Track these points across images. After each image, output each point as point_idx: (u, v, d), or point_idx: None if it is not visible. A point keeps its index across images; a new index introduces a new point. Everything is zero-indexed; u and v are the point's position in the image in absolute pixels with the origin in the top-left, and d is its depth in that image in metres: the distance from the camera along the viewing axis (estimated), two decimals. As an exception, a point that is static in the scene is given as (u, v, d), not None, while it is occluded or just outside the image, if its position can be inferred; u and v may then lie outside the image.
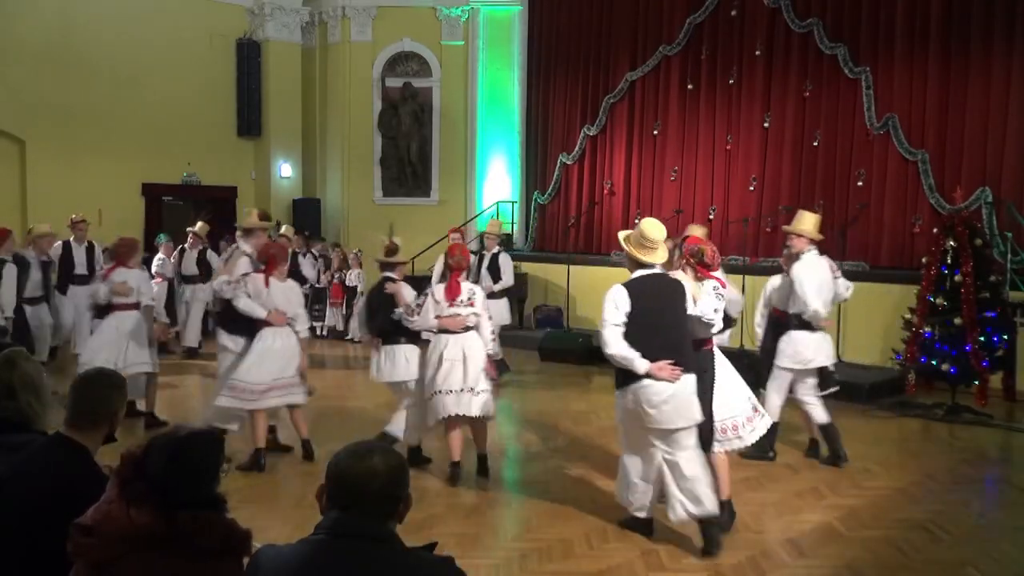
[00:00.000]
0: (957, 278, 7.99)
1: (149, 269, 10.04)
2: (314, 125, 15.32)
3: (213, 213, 12.77)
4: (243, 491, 5.61)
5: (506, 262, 9.68)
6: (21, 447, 2.82)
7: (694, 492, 4.61)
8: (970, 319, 7.84)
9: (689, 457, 4.67)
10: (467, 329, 5.97)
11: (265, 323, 6.25)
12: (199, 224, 9.48)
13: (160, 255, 11.06)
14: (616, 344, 4.62)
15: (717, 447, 5.05)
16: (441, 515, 5.31)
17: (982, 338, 7.83)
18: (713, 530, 4.68)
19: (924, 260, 8.50)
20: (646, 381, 4.59)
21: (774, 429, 6.50)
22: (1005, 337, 7.94)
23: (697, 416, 4.66)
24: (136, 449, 2.36)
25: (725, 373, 5.18)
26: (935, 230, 8.63)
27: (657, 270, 4.81)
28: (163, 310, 8.56)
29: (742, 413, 5.17)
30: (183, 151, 14.14)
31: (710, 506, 4.64)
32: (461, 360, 5.88)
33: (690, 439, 4.70)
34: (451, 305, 5.91)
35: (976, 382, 7.94)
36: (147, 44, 13.62)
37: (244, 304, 6.23)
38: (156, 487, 2.27)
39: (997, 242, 8.82)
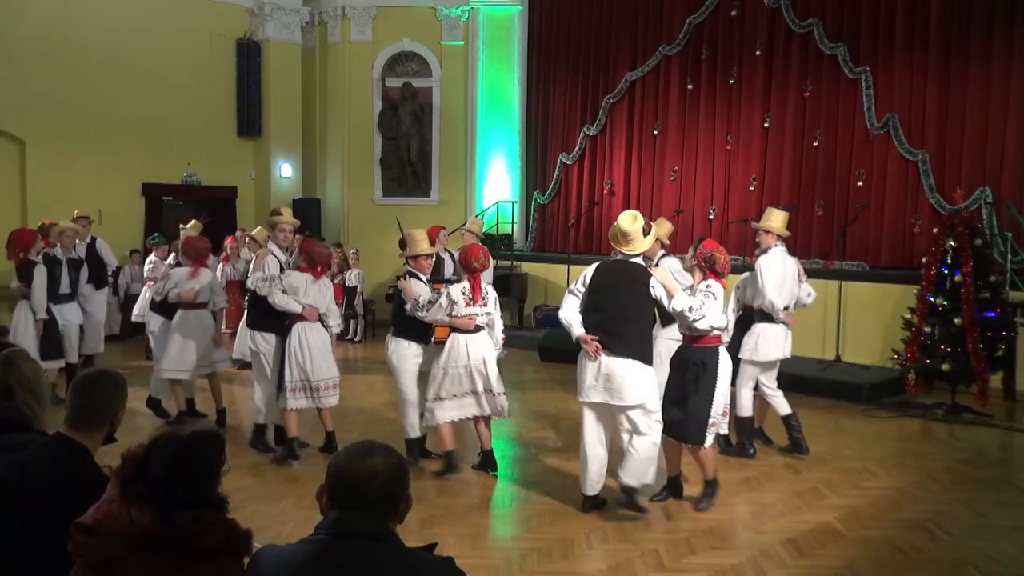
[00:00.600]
0: (957, 278, 7.99)
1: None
2: (314, 125, 15.32)
3: (211, 215, 12.71)
4: (243, 491, 5.61)
5: None
6: (20, 447, 2.82)
7: (639, 471, 5.13)
8: (970, 319, 7.84)
9: (642, 441, 5.11)
10: (478, 329, 6.00)
11: (299, 318, 6.31)
12: (192, 222, 9.33)
13: (152, 257, 10.76)
14: (566, 308, 5.26)
15: (707, 440, 5.28)
16: (441, 515, 5.31)
17: (982, 339, 7.82)
18: (635, 496, 5.21)
19: (924, 260, 8.50)
20: (582, 354, 5.17)
21: (750, 424, 6.59)
22: (1005, 335, 7.93)
23: (632, 400, 5.04)
24: (137, 449, 2.35)
25: (728, 372, 5.36)
26: (935, 230, 8.62)
27: (636, 260, 5.24)
28: (151, 314, 8.52)
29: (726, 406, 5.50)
30: (183, 151, 14.14)
31: (647, 480, 5.20)
32: (483, 363, 5.95)
33: (644, 422, 5.09)
34: (468, 305, 5.94)
35: (976, 382, 7.94)
36: (147, 44, 13.63)
37: (280, 300, 6.32)
38: (157, 487, 2.26)
39: (997, 242, 8.82)
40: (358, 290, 12.86)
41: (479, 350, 5.95)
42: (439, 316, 5.99)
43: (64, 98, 12.81)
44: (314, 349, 6.35)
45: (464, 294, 5.95)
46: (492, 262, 10.18)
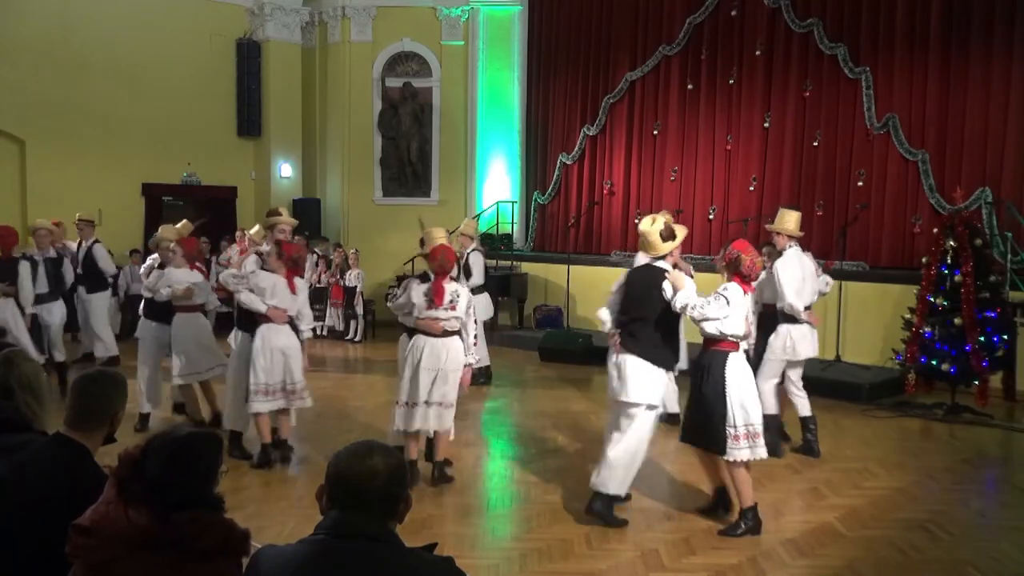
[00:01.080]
0: (957, 278, 7.98)
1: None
2: (314, 125, 15.32)
3: (211, 216, 12.66)
4: (243, 491, 5.61)
5: (476, 260, 9.56)
6: (20, 447, 2.82)
7: (606, 468, 5.14)
8: (970, 319, 7.83)
9: (617, 440, 5.16)
10: (447, 334, 5.76)
11: (265, 319, 6.23)
12: (183, 222, 8.76)
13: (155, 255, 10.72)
14: (602, 308, 5.49)
15: (734, 454, 4.94)
16: (441, 515, 5.31)
17: (982, 338, 7.82)
18: (595, 502, 5.17)
19: (924, 260, 8.49)
20: (609, 351, 5.38)
21: (776, 422, 6.59)
22: (1005, 337, 7.93)
23: (628, 397, 5.10)
24: (134, 449, 2.35)
25: (743, 380, 5.02)
26: (935, 230, 8.62)
27: (660, 263, 5.20)
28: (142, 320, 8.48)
29: (759, 423, 5.04)
30: (183, 151, 14.14)
31: (603, 487, 5.13)
32: (435, 371, 5.71)
33: (628, 422, 5.14)
34: (428, 308, 5.73)
35: (976, 382, 7.94)
36: (147, 44, 13.63)
37: (245, 298, 6.25)
38: (154, 487, 2.26)
39: (997, 242, 8.81)
40: (358, 290, 12.85)
41: (435, 357, 5.70)
42: (398, 313, 5.91)
43: (64, 98, 12.80)
44: (275, 352, 6.18)
45: (426, 296, 5.74)
46: (490, 262, 10.22)
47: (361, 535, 2.06)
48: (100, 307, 9.98)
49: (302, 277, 6.61)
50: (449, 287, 5.77)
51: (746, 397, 4.99)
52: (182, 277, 7.23)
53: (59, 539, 2.28)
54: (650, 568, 4.52)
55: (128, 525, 2.21)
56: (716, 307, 4.94)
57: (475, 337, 5.95)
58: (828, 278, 7.00)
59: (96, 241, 9.93)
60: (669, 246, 5.22)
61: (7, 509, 2.55)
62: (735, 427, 4.94)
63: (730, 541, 4.89)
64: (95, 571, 2.23)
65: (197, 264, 7.57)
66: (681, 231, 5.33)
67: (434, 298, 5.71)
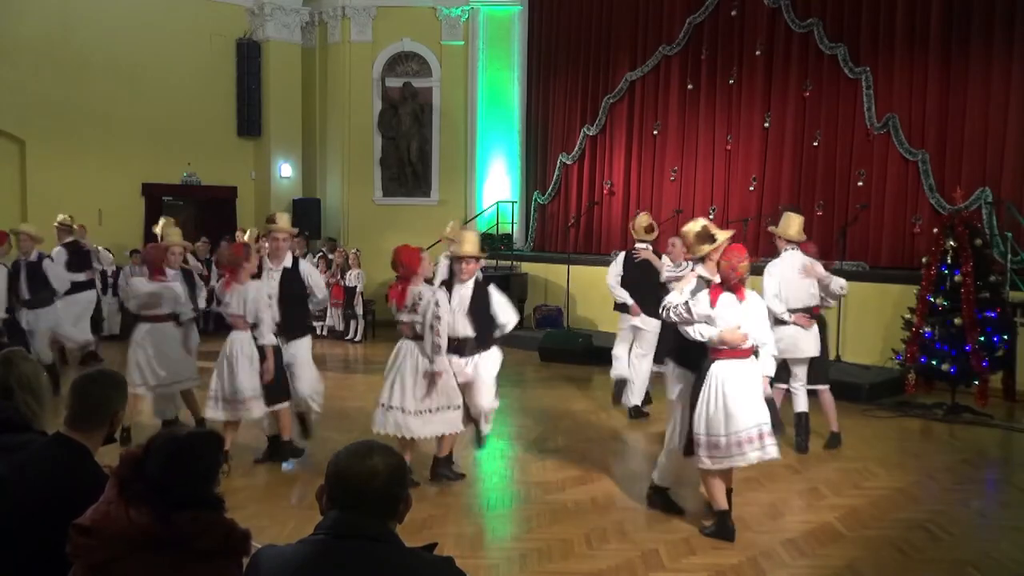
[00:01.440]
0: (957, 278, 7.97)
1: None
2: (314, 125, 15.33)
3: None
4: (243, 491, 5.61)
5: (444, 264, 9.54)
6: (20, 447, 2.81)
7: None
8: (970, 319, 7.83)
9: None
10: (417, 337, 5.69)
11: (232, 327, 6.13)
12: (163, 220, 8.21)
13: None
14: None
15: (705, 461, 4.86)
16: (441, 515, 5.31)
17: (982, 338, 7.81)
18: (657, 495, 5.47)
19: (924, 260, 8.48)
20: None
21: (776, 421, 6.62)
22: (1005, 337, 7.93)
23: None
24: (135, 449, 2.35)
25: (719, 390, 4.81)
26: (935, 230, 8.62)
27: (699, 267, 5.24)
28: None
29: (742, 431, 4.79)
30: (183, 151, 14.15)
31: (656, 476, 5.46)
32: (392, 371, 5.72)
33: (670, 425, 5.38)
34: (398, 310, 5.78)
35: (976, 382, 7.94)
36: (147, 44, 13.64)
37: (221, 308, 6.27)
38: (155, 487, 2.26)
39: (997, 242, 8.82)
40: (357, 290, 12.85)
41: (394, 358, 5.75)
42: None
43: (64, 98, 12.81)
44: (226, 358, 6.03)
45: (394, 297, 5.78)
46: (490, 262, 10.18)
47: (361, 535, 2.06)
48: (70, 310, 9.37)
49: (251, 278, 6.23)
50: (412, 290, 5.70)
51: (714, 407, 4.79)
52: (139, 288, 6.85)
53: (59, 539, 2.28)
54: (650, 568, 4.52)
55: (129, 525, 2.21)
56: (676, 311, 4.88)
57: (436, 346, 5.59)
58: (843, 281, 6.84)
59: (65, 244, 9.49)
60: (705, 249, 5.09)
61: (7, 509, 2.55)
62: (698, 433, 4.86)
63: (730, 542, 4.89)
64: (95, 571, 2.23)
65: (168, 271, 7.05)
66: (722, 235, 5.11)
67: (397, 301, 5.76)
